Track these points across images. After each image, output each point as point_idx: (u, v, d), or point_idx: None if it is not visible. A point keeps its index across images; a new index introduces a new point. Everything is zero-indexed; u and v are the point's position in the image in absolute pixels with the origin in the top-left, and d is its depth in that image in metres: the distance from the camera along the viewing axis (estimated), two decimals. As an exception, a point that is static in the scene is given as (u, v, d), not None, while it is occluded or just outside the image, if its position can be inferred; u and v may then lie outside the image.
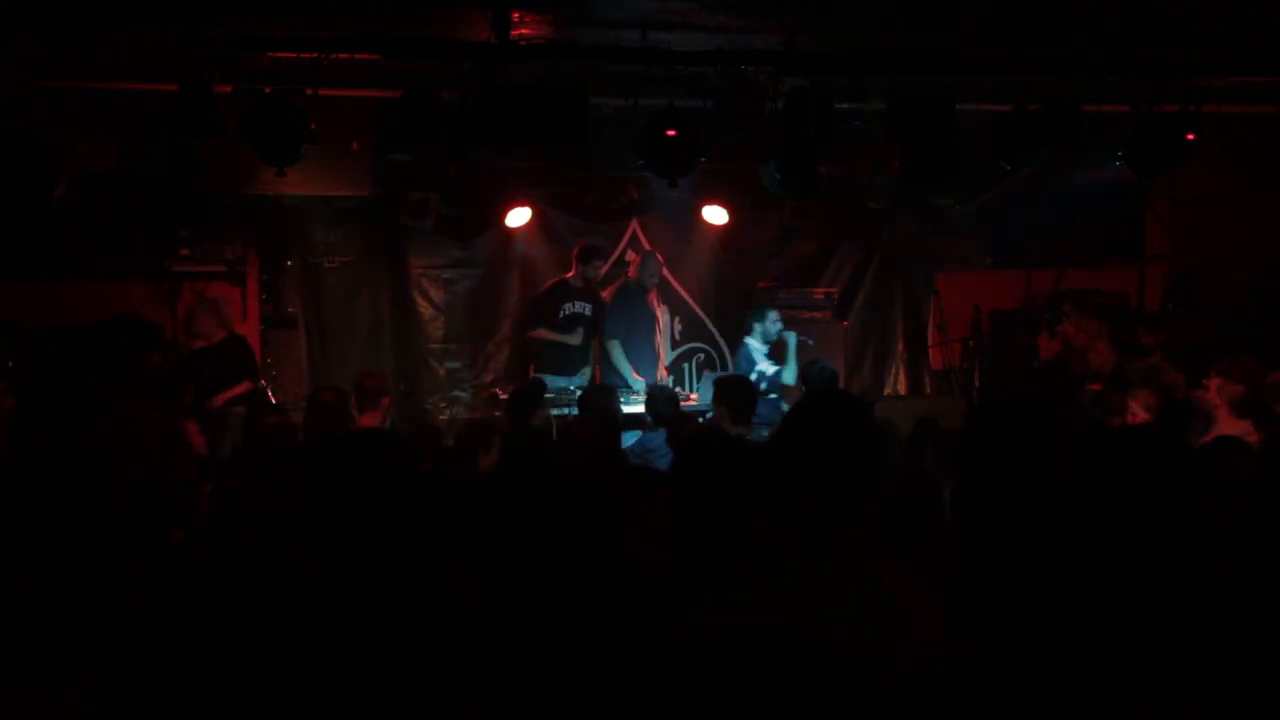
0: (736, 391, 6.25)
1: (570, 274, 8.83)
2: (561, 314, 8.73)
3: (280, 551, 3.33)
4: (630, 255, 9.77)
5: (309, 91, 6.37)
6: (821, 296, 9.51)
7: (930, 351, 10.46)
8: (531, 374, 8.79)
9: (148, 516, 3.06)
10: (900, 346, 10.49)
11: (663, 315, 9.50)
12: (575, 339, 8.71)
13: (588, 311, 8.84)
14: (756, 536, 2.59)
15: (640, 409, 7.36)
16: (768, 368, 8.38)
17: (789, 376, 8.32)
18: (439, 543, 2.41)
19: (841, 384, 8.63)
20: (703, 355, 10.14)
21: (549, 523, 2.14)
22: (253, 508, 3.51)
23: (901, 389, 10.35)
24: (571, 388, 8.40)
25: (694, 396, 8.82)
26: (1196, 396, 6.23)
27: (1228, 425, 5.49)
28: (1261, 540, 2.42)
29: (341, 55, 6.31)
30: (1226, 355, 5.88)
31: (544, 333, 8.76)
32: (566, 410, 7.77)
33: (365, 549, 2.34)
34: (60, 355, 6.78)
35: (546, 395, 7.59)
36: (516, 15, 6.24)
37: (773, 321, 8.55)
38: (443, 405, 9.65)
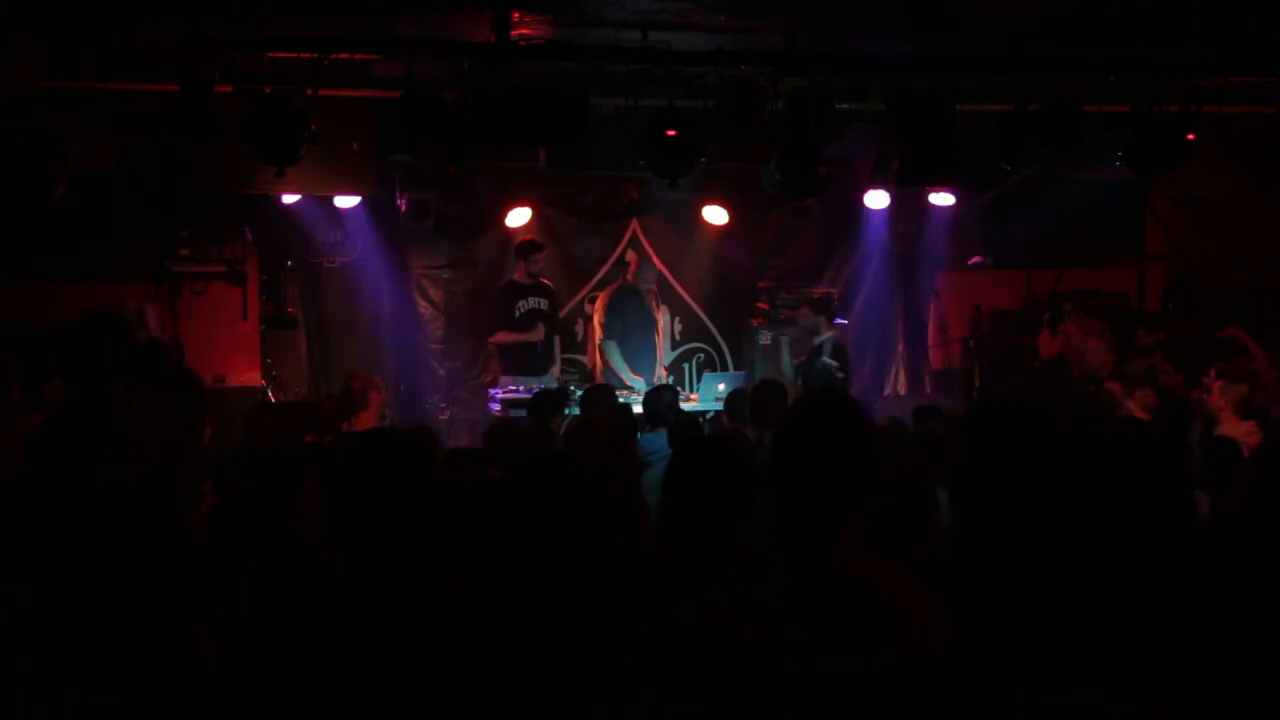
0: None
1: (516, 273, 8.86)
2: (518, 312, 8.75)
3: (285, 551, 3.34)
4: (630, 255, 9.78)
5: (309, 91, 6.37)
6: (821, 296, 9.51)
7: (930, 351, 10.47)
8: (500, 378, 8.82)
9: (148, 515, 3.05)
10: (900, 346, 10.49)
11: (662, 316, 9.52)
12: (537, 335, 8.73)
13: (543, 306, 8.87)
14: (752, 536, 2.60)
15: (635, 409, 7.38)
16: None
17: None
18: (443, 543, 2.41)
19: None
20: (703, 355, 10.14)
21: (555, 522, 2.14)
22: (255, 506, 3.50)
23: (901, 389, 10.35)
24: (567, 386, 8.43)
25: (694, 396, 8.83)
26: (1196, 397, 6.23)
27: (1232, 427, 5.49)
28: (1259, 540, 2.42)
29: (341, 55, 6.31)
30: (1221, 355, 5.88)
31: (504, 336, 8.79)
32: (568, 411, 7.78)
33: (373, 548, 2.34)
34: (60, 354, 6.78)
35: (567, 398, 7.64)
36: (516, 15, 6.24)
37: None
38: (443, 405, 9.66)
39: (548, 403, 6.96)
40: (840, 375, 8.34)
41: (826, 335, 8.71)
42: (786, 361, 8.90)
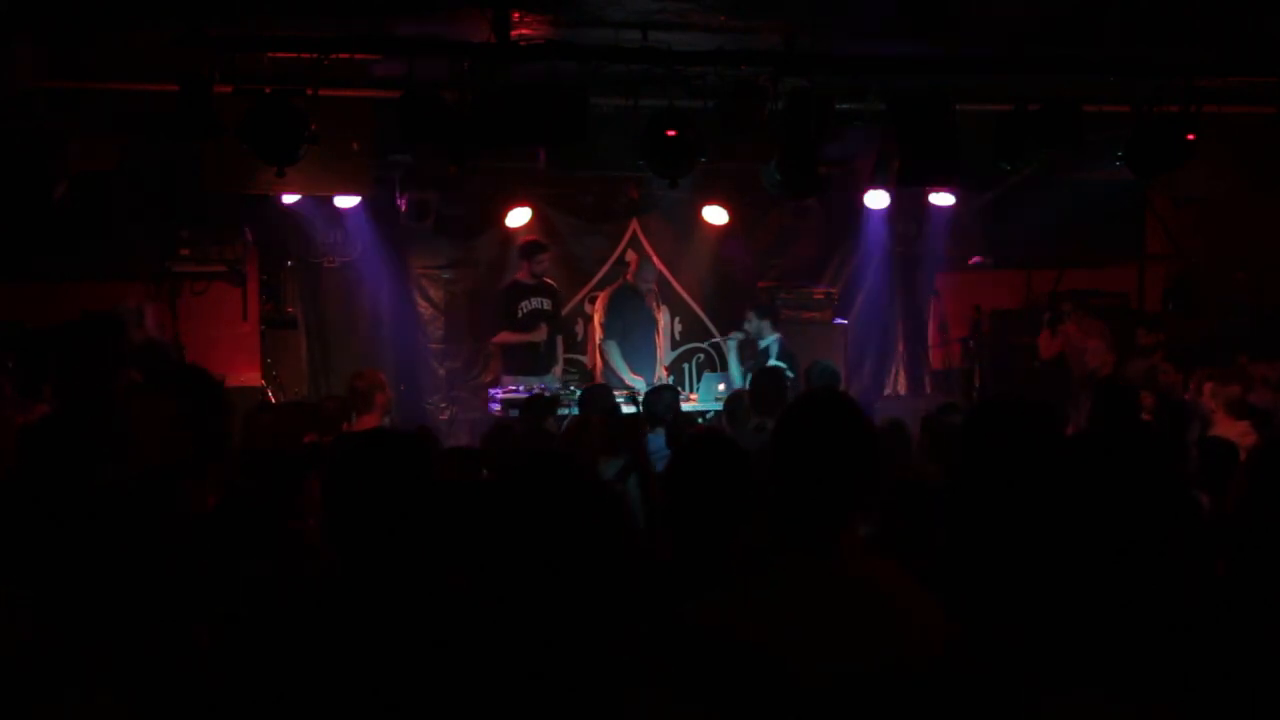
0: None
1: (520, 273, 8.86)
2: (521, 312, 8.75)
3: (285, 551, 3.34)
4: (630, 255, 9.78)
5: (309, 91, 6.37)
6: (821, 296, 9.52)
7: (930, 351, 10.47)
8: (502, 378, 8.83)
9: (148, 515, 3.06)
10: (900, 346, 10.49)
11: (662, 316, 9.52)
12: (540, 335, 8.73)
13: (546, 306, 8.87)
14: (751, 536, 2.60)
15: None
16: None
17: None
18: (442, 543, 2.42)
19: (842, 384, 8.65)
20: (702, 355, 10.14)
21: (555, 522, 2.14)
22: (257, 505, 3.51)
23: (901, 389, 10.35)
24: (566, 386, 8.44)
25: (694, 397, 8.83)
26: (1193, 398, 6.23)
27: (1226, 427, 5.48)
28: (1259, 540, 2.42)
29: (341, 55, 6.31)
30: (1216, 356, 5.87)
31: (507, 336, 8.79)
32: (567, 411, 7.79)
33: (373, 548, 2.34)
34: (63, 353, 6.79)
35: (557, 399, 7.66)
36: (516, 15, 6.24)
37: None
38: (443, 405, 9.66)
39: (539, 405, 6.97)
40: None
41: (772, 338, 8.72)
42: (734, 365, 8.91)
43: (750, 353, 8.86)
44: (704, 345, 10.16)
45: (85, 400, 5.72)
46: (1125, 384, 6.16)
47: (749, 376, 8.64)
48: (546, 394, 7.59)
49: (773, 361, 8.47)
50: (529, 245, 8.89)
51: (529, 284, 8.83)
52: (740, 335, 8.91)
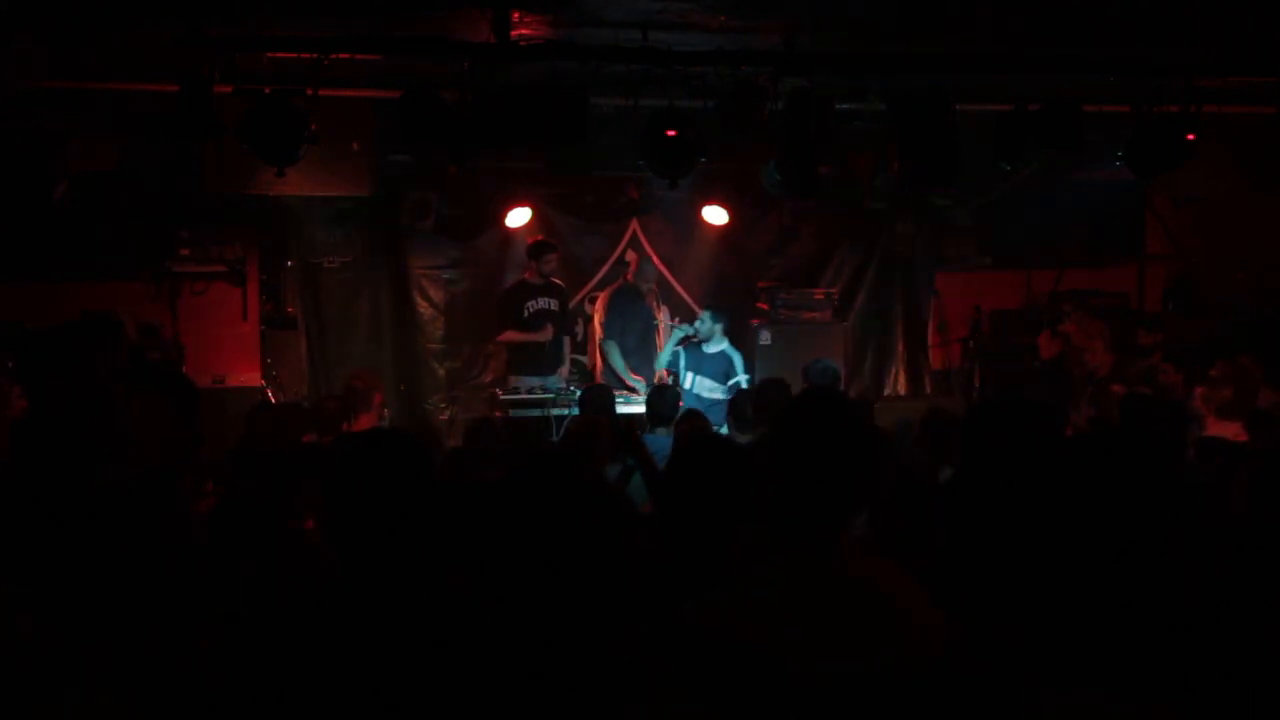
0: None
1: (527, 273, 8.86)
2: (527, 312, 8.74)
3: (285, 551, 3.34)
4: (630, 256, 9.77)
5: (309, 91, 6.37)
6: (821, 296, 9.51)
7: (930, 351, 10.47)
8: (508, 377, 8.84)
9: (148, 515, 3.06)
10: (900, 346, 10.49)
11: (663, 317, 9.51)
12: (545, 335, 8.71)
13: (553, 306, 8.85)
14: (751, 536, 2.60)
15: (636, 408, 7.38)
16: None
17: None
18: (443, 543, 2.42)
19: (842, 384, 8.64)
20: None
21: (555, 522, 2.14)
22: (257, 505, 3.51)
23: (901, 389, 10.35)
24: (566, 386, 8.45)
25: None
26: (1192, 398, 6.21)
27: (1220, 429, 5.47)
28: (1259, 540, 2.42)
29: (341, 55, 6.31)
30: (1219, 358, 5.84)
31: (512, 335, 8.77)
32: (567, 411, 7.81)
33: (373, 548, 2.34)
34: (60, 354, 6.80)
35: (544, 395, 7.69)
36: (516, 15, 6.24)
37: None
38: (443, 405, 9.66)
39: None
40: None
41: (723, 345, 8.62)
42: (666, 349, 8.87)
43: (695, 353, 8.73)
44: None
45: (80, 399, 5.72)
46: (1151, 400, 6.14)
47: (695, 370, 8.63)
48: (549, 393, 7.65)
49: (740, 377, 8.45)
50: (537, 245, 8.86)
51: (536, 284, 8.82)
52: (689, 329, 8.84)
